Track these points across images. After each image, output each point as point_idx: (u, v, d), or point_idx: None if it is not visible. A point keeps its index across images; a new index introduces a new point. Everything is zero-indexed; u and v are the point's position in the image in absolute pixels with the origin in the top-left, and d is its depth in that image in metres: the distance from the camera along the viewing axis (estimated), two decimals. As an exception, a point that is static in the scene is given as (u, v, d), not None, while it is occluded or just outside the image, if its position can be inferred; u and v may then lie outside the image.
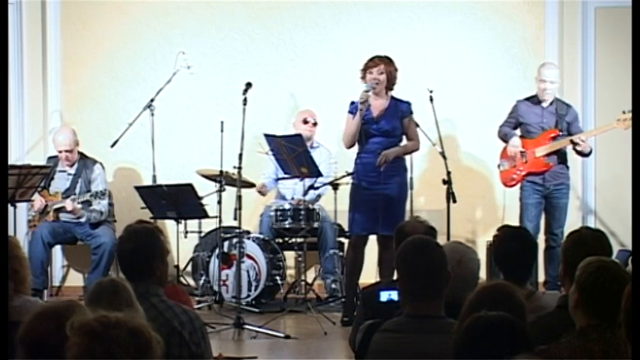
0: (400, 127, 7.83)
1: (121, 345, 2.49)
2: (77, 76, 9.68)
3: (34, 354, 2.79)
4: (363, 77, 7.85)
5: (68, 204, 8.70)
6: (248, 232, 8.68)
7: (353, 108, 7.85)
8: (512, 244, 4.62)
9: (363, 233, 7.83)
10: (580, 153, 8.44)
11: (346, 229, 8.44)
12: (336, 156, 9.10)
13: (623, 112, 8.19)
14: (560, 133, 8.39)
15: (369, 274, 7.91)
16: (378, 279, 7.66)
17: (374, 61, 7.83)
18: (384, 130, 7.75)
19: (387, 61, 7.84)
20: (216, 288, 8.51)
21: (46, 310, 2.90)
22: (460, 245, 4.61)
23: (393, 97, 7.89)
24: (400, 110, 7.84)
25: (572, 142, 8.29)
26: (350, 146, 7.86)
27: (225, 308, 8.34)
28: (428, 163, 9.24)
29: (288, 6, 9.65)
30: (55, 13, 9.63)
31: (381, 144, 7.76)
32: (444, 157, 7.85)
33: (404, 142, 7.89)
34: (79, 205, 8.74)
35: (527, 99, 8.56)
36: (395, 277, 3.90)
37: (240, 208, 7.68)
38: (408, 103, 7.90)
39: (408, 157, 8.04)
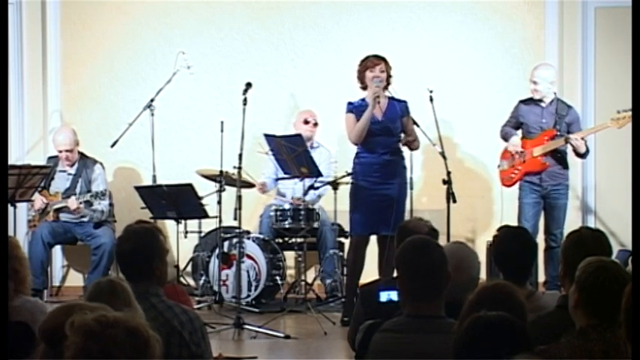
0: (400, 125, 7.84)
1: (118, 344, 2.49)
2: (77, 76, 9.68)
3: (54, 345, 2.81)
4: (361, 76, 7.85)
5: (71, 203, 8.70)
6: (248, 232, 8.68)
7: (352, 108, 7.86)
8: (511, 244, 4.61)
9: (365, 233, 7.83)
10: (576, 153, 8.41)
11: (346, 229, 8.44)
12: (336, 156, 9.10)
13: (618, 112, 8.19)
14: (558, 133, 8.39)
15: (370, 274, 7.91)
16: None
17: (372, 61, 7.84)
18: (386, 129, 7.75)
19: (385, 60, 7.86)
20: (216, 288, 8.51)
21: (69, 304, 2.92)
22: (461, 247, 4.57)
23: (390, 97, 7.90)
24: (399, 109, 7.86)
25: (566, 140, 8.28)
26: (359, 142, 7.83)
27: (225, 308, 8.34)
28: (428, 163, 9.23)
29: (288, 6, 9.65)
30: (55, 13, 9.63)
31: (382, 143, 7.77)
32: (444, 157, 7.84)
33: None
34: (82, 205, 8.75)
35: (529, 99, 8.56)
36: (395, 275, 3.89)
37: (240, 208, 7.68)
38: (406, 102, 7.92)
39: (407, 157, 8.04)
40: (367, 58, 7.89)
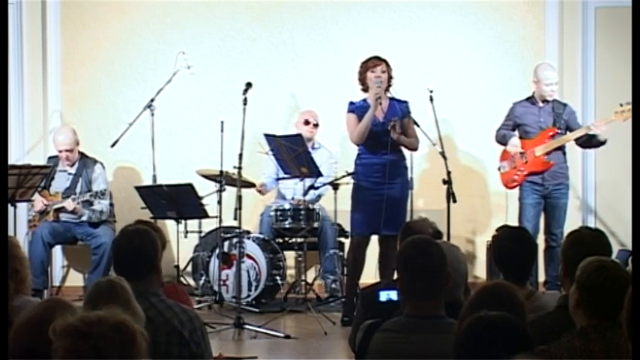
0: (401, 126, 7.83)
1: (107, 340, 2.51)
2: (77, 76, 9.68)
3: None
4: (362, 78, 7.84)
5: (68, 204, 8.70)
6: (248, 232, 8.68)
7: (354, 108, 7.86)
8: (511, 244, 4.61)
9: (366, 233, 7.83)
10: (589, 145, 8.41)
11: (346, 228, 8.44)
12: (336, 156, 9.10)
13: (621, 105, 8.21)
14: (559, 131, 8.41)
15: (370, 274, 7.91)
16: (378, 279, 7.67)
17: (374, 62, 7.84)
18: (387, 130, 7.73)
19: (386, 61, 7.85)
20: (216, 288, 8.51)
21: (27, 320, 2.95)
22: (444, 245, 4.55)
23: (391, 97, 7.90)
24: (401, 110, 7.85)
25: (588, 129, 8.25)
26: (361, 143, 7.83)
27: (225, 308, 8.34)
28: (428, 163, 9.24)
29: (289, 6, 9.65)
30: (55, 13, 9.62)
31: (383, 144, 7.74)
32: (444, 157, 7.84)
33: None
34: (79, 205, 8.74)
35: (523, 100, 8.57)
36: (395, 277, 3.90)
37: (240, 208, 7.68)
38: (407, 102, 7.91)
39: (408, 157, 8.03)
40: (368, 59, 7.89)
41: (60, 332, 2.55)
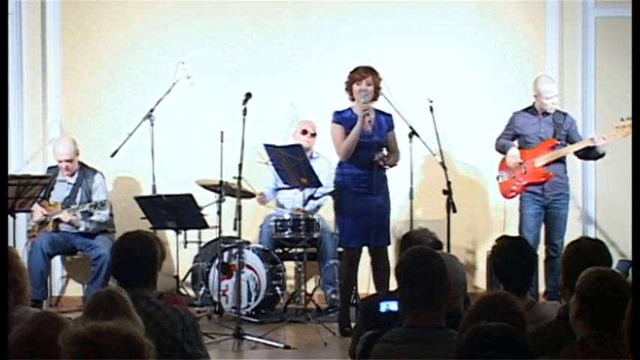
0: (386, 139, 7.82)
1: (114, 351, 2.52)
2: (77, 87, 9.69)
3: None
4: (349, 88, 7.81)
5: (64, 216, 8.70)
6: (248, 243, 8.67)
7: (340, 119, 7.81)
8: (510, 255, 4.60)
9: (359, 245, 7.79)
10: (589, 157, 8.42)
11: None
12: (335, 166, 9.08)
13: (622, 120, 8.21)
14: (559, 143, 8.41)
15: (366, 284, 7.90)
16: (373, 289, 7.66)
17: (360, 73, 7.78)
18: (375, 142, 7.72)
19: (373, 72, 7.80)
20: (215, 298, 8.50)
21: (20, 336, 2.96)
22: (442, 255, 4.55)
23: (375, 110, 7.87)
24: (385, 122, 7.84)
25: (592, 140, 8.25)
26: (347, 159, 7.80)
27: (224, 319, 8.32)
28: (427, 173, 9.23)
29: (289, 17, 9.65)
30: (55, 23, 9.64)
31: (368, 156, 7.70)
32: (444, 168, 7.83)
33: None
34: (75, 217, 8.73)
35: (524, 110, 8.57)
36: (391, 287, 3.89)
37: (239, 219, 7.67)
38: (391, 116, 7.89)
39: (407, 166, 8.01)
40: (356, 69, 7.84)
41: (69, 340, 2.56)
